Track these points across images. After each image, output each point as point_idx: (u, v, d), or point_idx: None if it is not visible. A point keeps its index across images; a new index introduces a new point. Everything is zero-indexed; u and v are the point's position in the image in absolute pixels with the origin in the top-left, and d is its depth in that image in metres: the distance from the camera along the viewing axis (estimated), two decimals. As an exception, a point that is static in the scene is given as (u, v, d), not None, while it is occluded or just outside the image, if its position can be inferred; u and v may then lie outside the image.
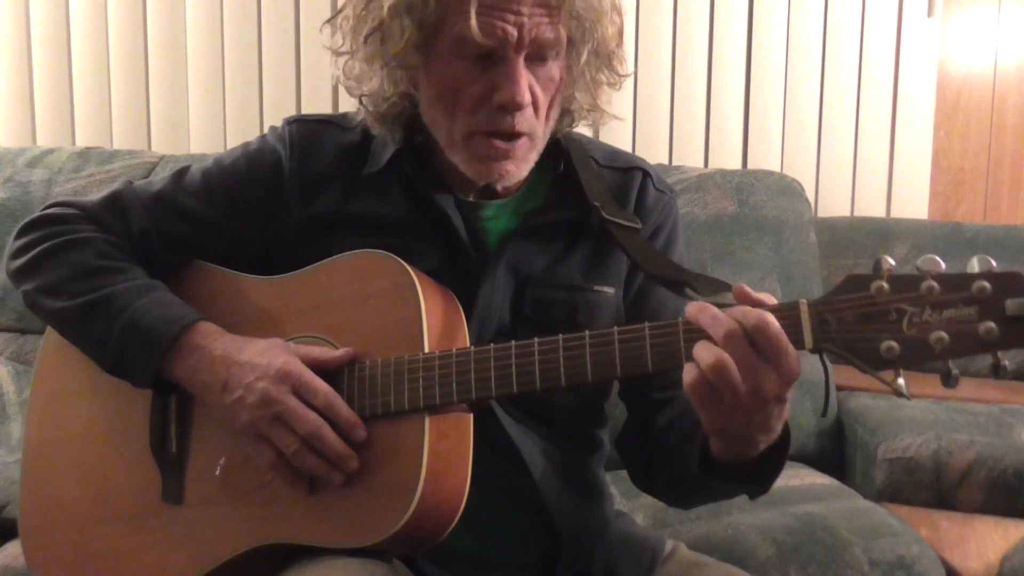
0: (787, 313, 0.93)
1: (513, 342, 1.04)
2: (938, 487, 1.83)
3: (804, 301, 0.93)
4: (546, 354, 1.03)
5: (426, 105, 1.14)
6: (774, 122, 2.58)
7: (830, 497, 1.77)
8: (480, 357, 1.05)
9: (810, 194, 2.45)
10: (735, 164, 2.58)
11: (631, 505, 1.70)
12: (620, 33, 1.15)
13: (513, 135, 1.09)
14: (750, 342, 0.90)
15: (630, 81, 2.54)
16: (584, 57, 1.11)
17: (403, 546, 1.08)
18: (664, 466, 1.19)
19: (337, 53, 1.17)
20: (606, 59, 1.14)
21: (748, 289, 0.96)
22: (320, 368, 1.08)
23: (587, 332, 1.02)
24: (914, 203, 2.60)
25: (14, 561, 1.50)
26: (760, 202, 2.26)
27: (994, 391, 2.09)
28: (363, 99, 1.16)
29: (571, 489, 1.18)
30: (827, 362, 0.97)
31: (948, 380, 0.89)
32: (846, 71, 2.56)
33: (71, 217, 1.22)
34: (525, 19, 1.05)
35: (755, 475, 1.05)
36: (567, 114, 1.19)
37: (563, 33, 1.09)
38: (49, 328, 1.25)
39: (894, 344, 0.89)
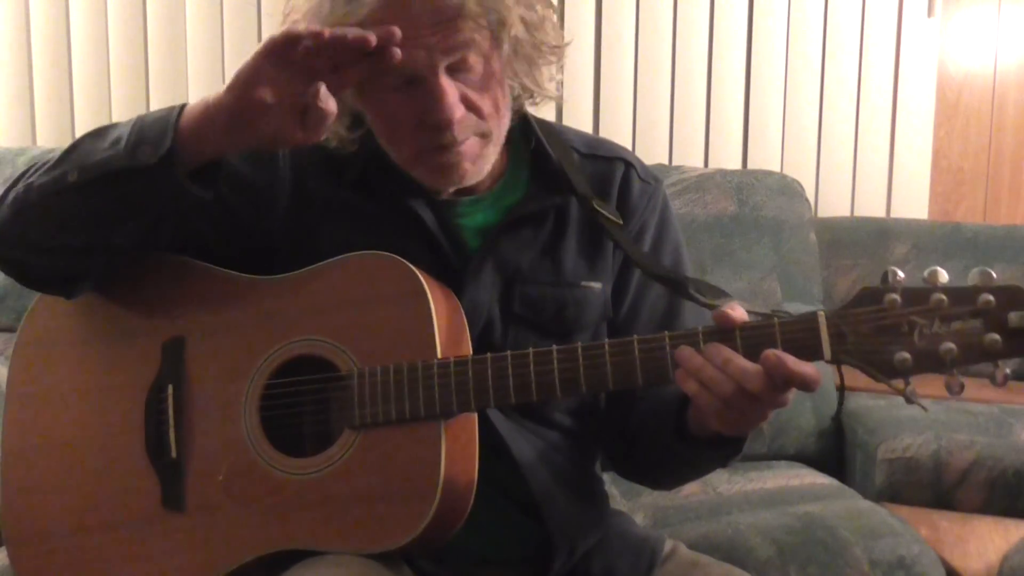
0: (806, 326, 0.97)
1: (531, 349, 1.04)
2: (938, 487, 1.83)
3: (821, 313, 0.97)
4: (565, 362, 1.03)
5: (375, 133, 1.14)
6: (774, 122, 2.58)
7: (830, 497, 1.77)
8: (498, 365, 1.05)
9: (810, 194, 2.46)
10: (735, 164, 2.57)
11: (631, 505, 1.70)
12: (539, 13, 1.12)
13: (457, 144, 1.09)
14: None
15: (630, 81, 2.55)
16: (506, 48, 1.09)
17: (417, 548, 1.07)
18: (643, 447, 1.20)
19: None
20: (533, 40, 1.11)
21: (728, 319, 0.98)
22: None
23: (607, 341, 1.03)
24: (914, 203, 2.60)
25: (14, 561, 1.49)
26: (760, 202, 2.26)
27: (994, 391, 2.09)
28: None
29: (563, 485, 1.18)
30: (842, 373, 1.02)
31: (953, 389, 0.94)
32: (846, 71, 2.56)
33: None
34: (430, 39, 1.04)
35: (727, 438, 1.07)
36: (525, 91, 1.16)
37: (473, 34, 1.06)
38: (22, 326, 1.22)
39: (907, 355, 0.94)
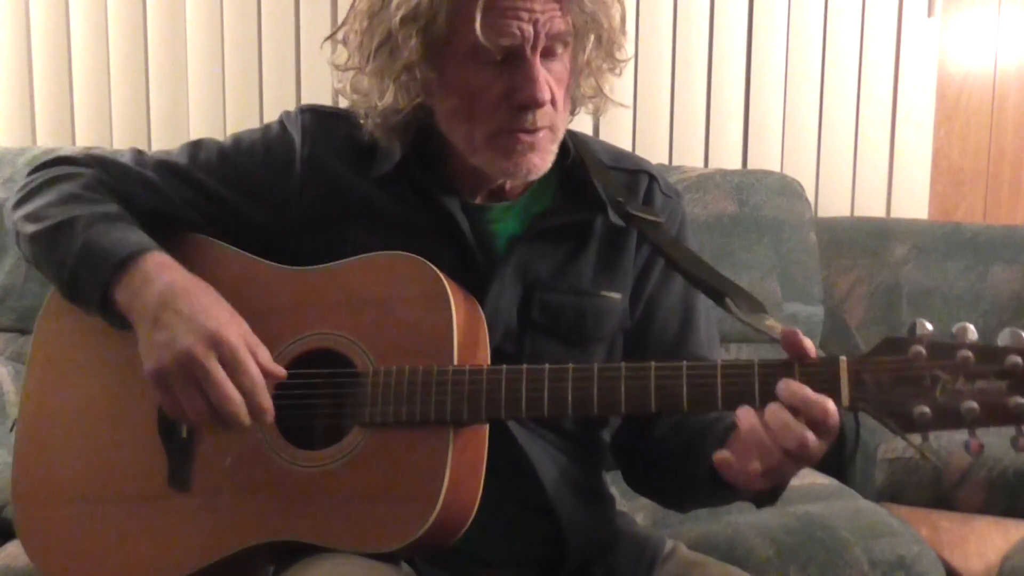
0: (826, 369, 0.96)
1: (547, 365, 1.04)
2: (938, 487, 1.84)
3: (843, 359, 0.96)
4: (580, 382, 1.03)
5: (443, 112, 1.13)
6: (774, 122, 2.58)
7: (830, 497, 1.77)
8: (512, 377, 1.04)
9: (810, 194, 2.45)
10: (735, 164, 2.57)
11: (631, 505, 1.70)
12: (623, 20, 1.15)
13: (535, 129, 1.09)
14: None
15: (630, 81, 2.55)
16: (589, 46, 1.11)
17: (415, 551, 1.08)
18: (667, 471, 1.19)
19: (343, 69, 1.16)
20: (609, 47, 1.14)
21: (799, 338, 0.97)
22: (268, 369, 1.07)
23: (623, 364, 1.03)
24: (914, 203, 2.60)
25: (14, 561, 1.50)
26: (760, 202, 2.26)
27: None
28: (369, 113, 1.15)
29: (578, 493, 1.18)
30: (860, 421, 1.00)
31: (970, 448, 0.93)
32: (846, 71, 2.56)
33: (79, 159, 1.23)
34: (539, 15, 1.05)
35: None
36: (571, 102, 1.18)
37: (572, 24, 1.09)
38: (50, 295, 1.24)
39: (926, 410, 0.92)
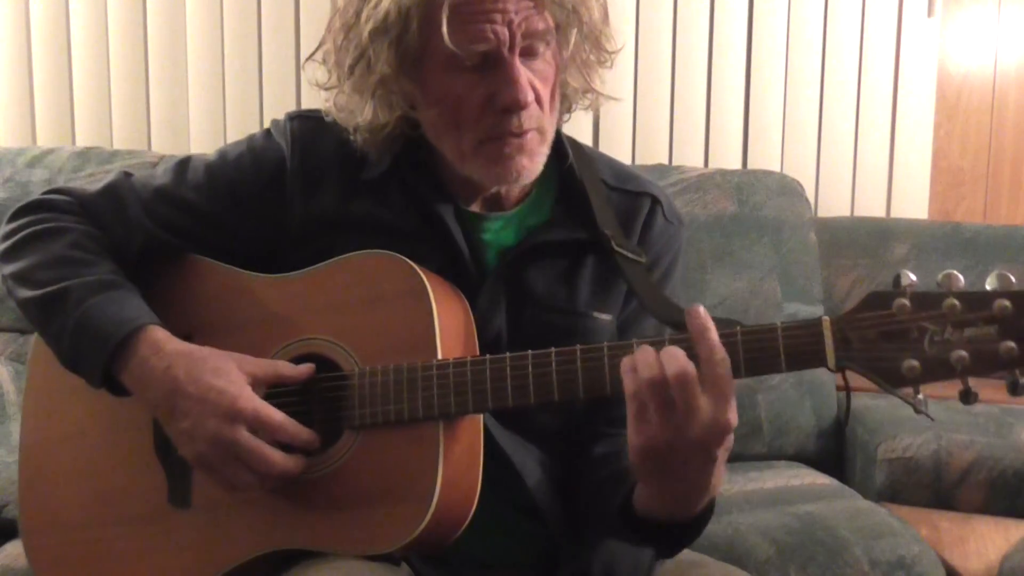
0: (810, 331, 0.94)
1: (530, 352, 1.03)
2: (938, 487, 1.83)
3: (826, 319, 0.94)
4: (564, 365, 1.02)
5: (428, 124, 1.12)
6: (774, 122, 2.58)
7: (830, 497, 1.77)
8: (496, 367, 1.04)
9: (810, 194, 2.45)
10: (735, 164, 2.57)
11: (631, 505, 1.70)
12: (605, 11, 1.13)
13: (522, 132, 1.08)
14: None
15: (630, 81, 2.55)
16: (573, 41, 1.09)
17: (415, 550, 1.08)
18: (586, 495, 1.18)
19: (324, 88, 1.16)
20: (595, 40, 1.12)
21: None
22: (283, 384, 1.08)
23: (605, 344, 1.02)
24: (914, 203, 2.60)
25: (14, 561, 1.50)
26: (760, 202, 2.26)
27: (995, 391, 2.09)
28: (356, 130, 1.14)
29: (565, 491, 1.18)
30: (848, 381, 0.98)
31: (967, 398, 0.90)
32: (846, 71, 2.56)
33: (62, 205, 1.21)
34: (513, 16, 1.03)
35: (668, 536, 1.06)
36: (564, 100, 1.17)
37: (551, 21, 1.07)
38: None
39: (915, 363, 0.90)
